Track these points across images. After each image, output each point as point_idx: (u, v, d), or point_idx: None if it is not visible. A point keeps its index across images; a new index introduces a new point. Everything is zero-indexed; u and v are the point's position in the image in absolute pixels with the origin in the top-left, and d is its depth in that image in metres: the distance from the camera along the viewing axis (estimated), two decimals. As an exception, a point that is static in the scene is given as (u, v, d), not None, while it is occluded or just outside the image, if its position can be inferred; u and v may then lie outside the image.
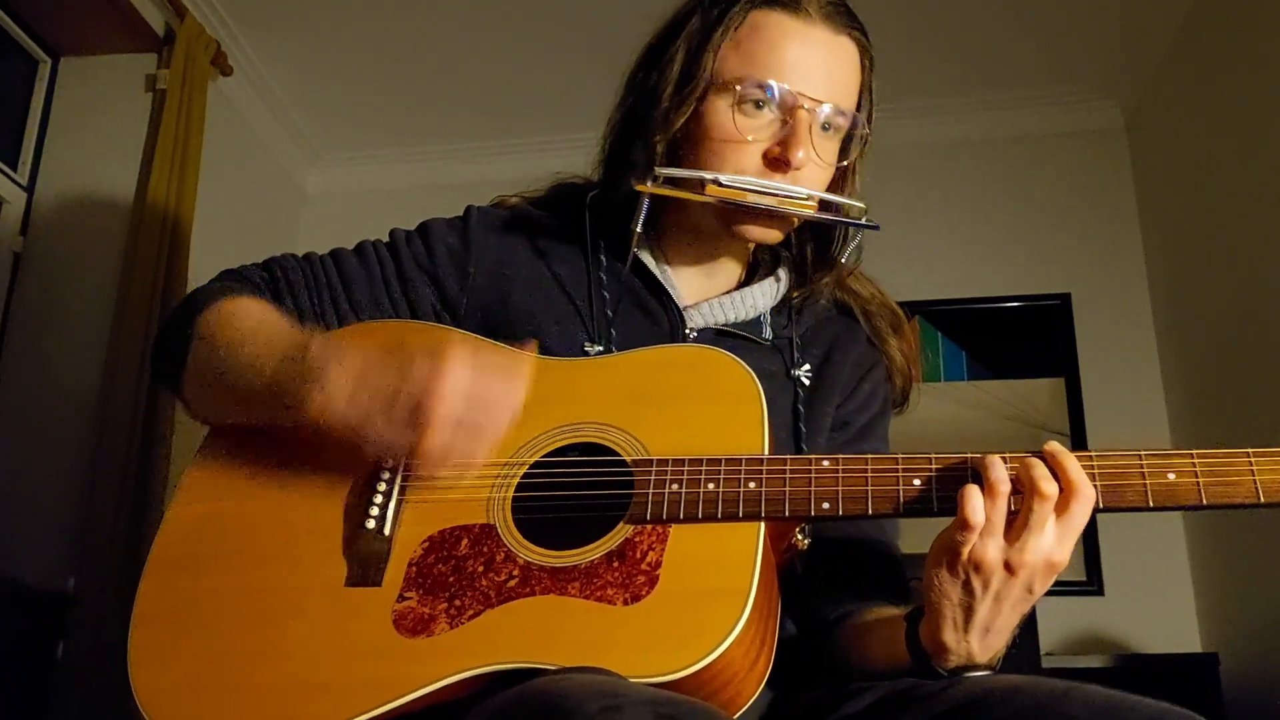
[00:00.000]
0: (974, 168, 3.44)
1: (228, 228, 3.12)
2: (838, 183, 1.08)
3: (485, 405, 0.84)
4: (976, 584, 0.82)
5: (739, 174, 1.00)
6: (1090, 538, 3.05)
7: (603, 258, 1.11)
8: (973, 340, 3.30)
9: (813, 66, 1.00)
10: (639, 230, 1.04)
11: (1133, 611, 2.96)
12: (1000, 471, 0.82)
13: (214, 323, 0.98)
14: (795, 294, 1.13)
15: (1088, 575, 3.03)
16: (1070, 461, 0.81)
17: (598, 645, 0.79)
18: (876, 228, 1.04)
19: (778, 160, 1.00)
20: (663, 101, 1.04)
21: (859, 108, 1.06)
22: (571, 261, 1.11)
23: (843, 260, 1.10)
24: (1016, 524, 0.81)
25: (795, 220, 1.05)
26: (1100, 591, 3.01)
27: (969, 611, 0.83)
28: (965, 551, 0.81)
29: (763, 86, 0.99)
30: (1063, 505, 0.81)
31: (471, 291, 1.08)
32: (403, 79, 3.39)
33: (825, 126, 1.02)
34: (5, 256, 2.81)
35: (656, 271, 1.09)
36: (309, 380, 0.86)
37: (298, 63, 3.34)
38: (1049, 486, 0.80)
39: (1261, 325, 2.57)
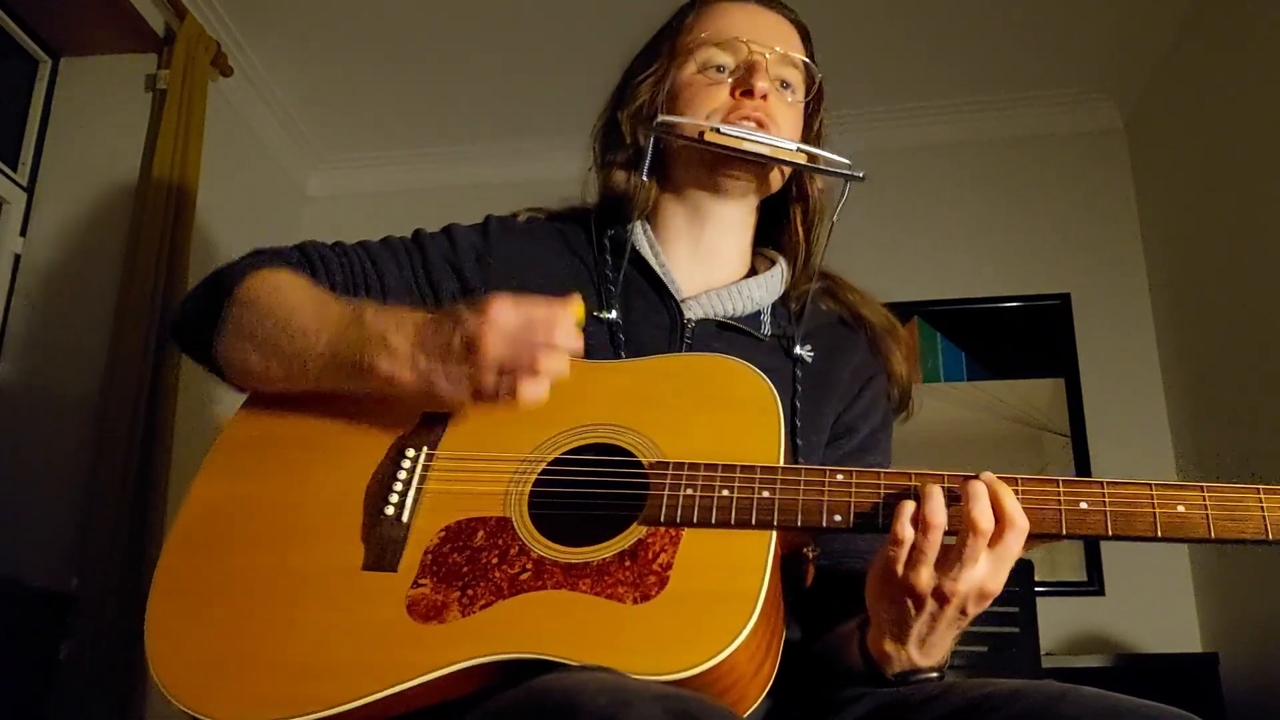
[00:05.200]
0: (974, 168, 3.44)
1: (228, 228, 3.11)
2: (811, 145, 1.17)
3: (532, 328, 0.87)
4: (910, 606, 0.84)
5: (713, 111, 1.11)
6: (1091, 538, 3.05)
7: (607, 257, 1.16)
8: (972, 340, 3.30)
9: (760, 27, 1.16)
10: (641, 218, 1.13)
11: (1133, 611, 2.96)
12: (935, 504, 0.83)
13: (257, 289, 1.01)
14: (794, 290, 1.18)
15: (1088, 575, 3.04)
16: (1005, 494, 0.83)
17: (606, 641, 0.80)
18: (862, 178, 1.10)
19: (745, 91, 1.11)
20: (639, 79, 1.18)
21: (809, 57, 1.19)
22: (581, 258, 1.17)
23: (834, 219, 1.16)
24: (951, 556, 0.82)
25: (777, 170, 1.14)
26: (1100, 591, 3.02)
27: (904, 627, 0.86)
28: (899, 570, 0.83)
29: (720, 42, 1.14)
30: (996, 537, 0.82)
31: (490, 282, 1.11)
32: (404, 81, 3.39)
33: (783, 82, 1.15)
34: (5, 256, 2.81)
35: (654, 264, 1.14)
36: (372, 346, 0.91)
37: (298, 64, 3.33)
38: (985, 523, 0.81)
39: (1262, 325, 2.58)
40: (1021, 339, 3.28)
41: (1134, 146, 3.39)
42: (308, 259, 1.09)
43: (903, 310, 3.27)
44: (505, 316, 0.87)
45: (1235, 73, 2.74)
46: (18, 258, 2.83)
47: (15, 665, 2.20)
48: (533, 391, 0.87)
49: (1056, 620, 2.87)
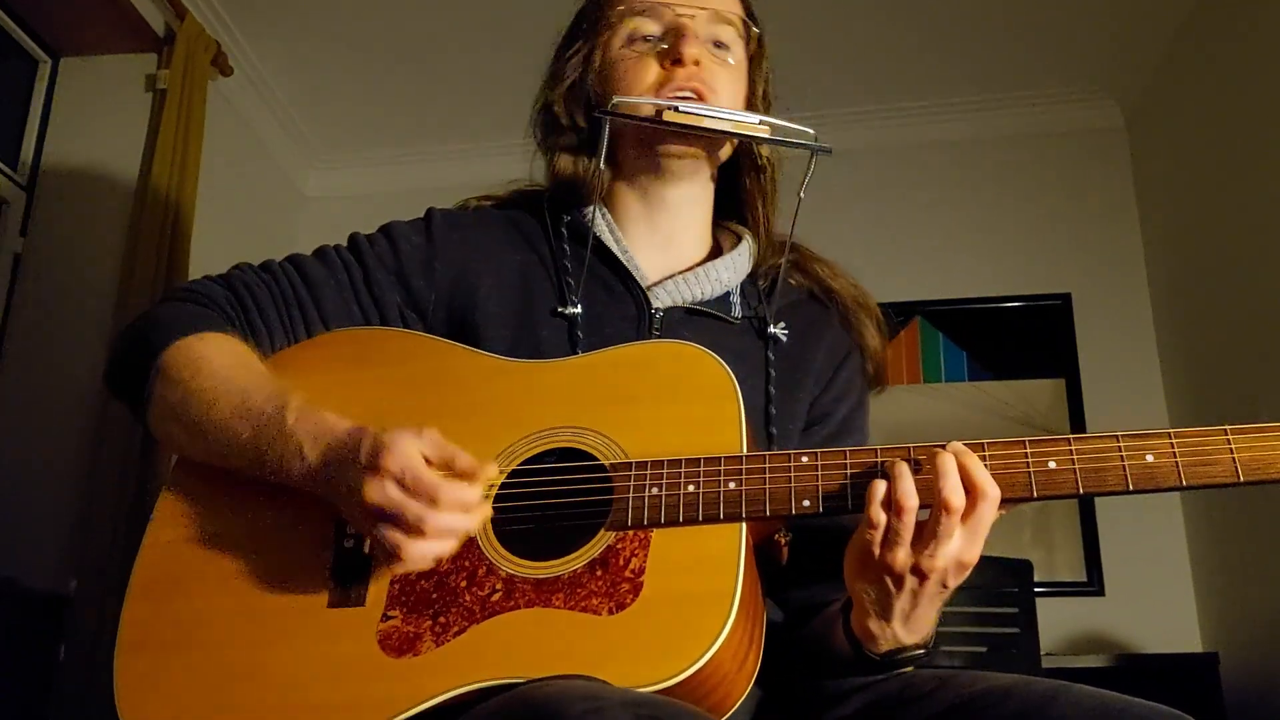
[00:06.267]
0: (974, 167, 3.44)
1: (227, 228, 3.12)
2: (759, 109, 1.12)
3: (421, 483, 0.81)
4: (890, 584, 0.83)
5: (646, 88, 1.05)
6: (1090, 537, 3.05)
7: (566, 246, 1.10)
8: (973, 340, 3.30)
9: None
10: (599, 204, 1.08)
11: (1133, 611, 2.96)
12: (905, 485, 0.81)
13: (180, 365, 0.95)
14: (762, 266, 1.13)
15: (1088, 575, 3.03)
16: (974, 464, 0.81)
17: (586, 657, 0.79)
18: (829, 150, 1.03)
19: (675, 60, 1.04)
20: (568, 55, 1.13)
21: (746, 12, 1.12)
22: (537, 250, 1.11)
23: (802, 195, 1.08)
24: (925, 534, 0.81)
25: (720, 142, 1.08)
26: (1100, 591, 3.01)
27: (887, 606, 0.85)
28: (876, 551, 0.82)
29: (642, 9, 1.08)
30: (969, 510, 0.80)
31: (438, 287, 1.07)
32: (402, 80, 3.39)
33: (717, 43, 1.08)
34: (5, 256, 2.81)
35: (618, 252, 1.09)
36: (289, 455, 0.87)
37: (298, 63, 3.33)
38: (957, 500, 0.79)
39: (1262, 324, 2.57)
40: (1022, 339, 3.28)
41: (1135, 145, 3.38)
42: (238, 301, 1.02)
43: (904, 310, 3.30)
44: (397, 461, 0.80)
45: (1236, 71, 2.73)
46: (18, 257, 2.83)
47: (14, 667, 2.20)
48: (410, 553, 0.80)
49: (1056, 620, 2.86)
